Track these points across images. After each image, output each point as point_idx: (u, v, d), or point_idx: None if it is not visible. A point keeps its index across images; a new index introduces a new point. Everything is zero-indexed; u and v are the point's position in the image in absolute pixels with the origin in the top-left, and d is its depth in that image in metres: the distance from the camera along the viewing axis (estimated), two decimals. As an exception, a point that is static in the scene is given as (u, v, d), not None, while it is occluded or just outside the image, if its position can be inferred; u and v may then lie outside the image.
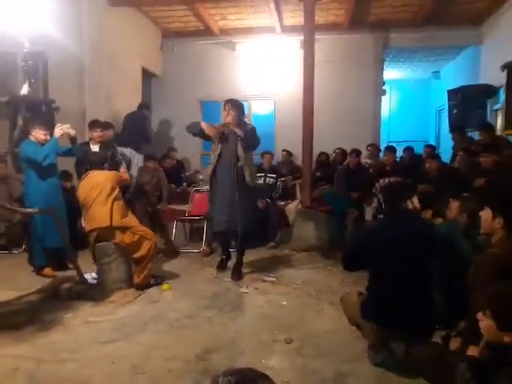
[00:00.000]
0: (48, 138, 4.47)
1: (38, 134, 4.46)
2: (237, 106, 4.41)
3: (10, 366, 2.69)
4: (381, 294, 2.60)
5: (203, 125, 4.45)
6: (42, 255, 4.55)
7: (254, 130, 4.47)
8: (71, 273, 4.34)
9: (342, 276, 4.40)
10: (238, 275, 4.48)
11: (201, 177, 7.22)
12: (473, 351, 2.10)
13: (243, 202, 4.27)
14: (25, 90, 4.23)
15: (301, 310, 3.64)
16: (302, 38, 6.27)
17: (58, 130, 4.40)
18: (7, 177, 5.72)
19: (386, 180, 3.15)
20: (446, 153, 7.20)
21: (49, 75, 6.44)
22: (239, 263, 4.59)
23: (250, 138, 4.37)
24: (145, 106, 7.33)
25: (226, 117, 4.38)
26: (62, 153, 4.62)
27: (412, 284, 2.54)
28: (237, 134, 4.29)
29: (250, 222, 4.41)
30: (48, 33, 5.23)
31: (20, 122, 4.51)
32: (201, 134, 4.50)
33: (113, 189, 4.10)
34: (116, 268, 4.05)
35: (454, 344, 2.47)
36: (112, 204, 4.02)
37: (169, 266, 4.98)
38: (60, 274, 4.50)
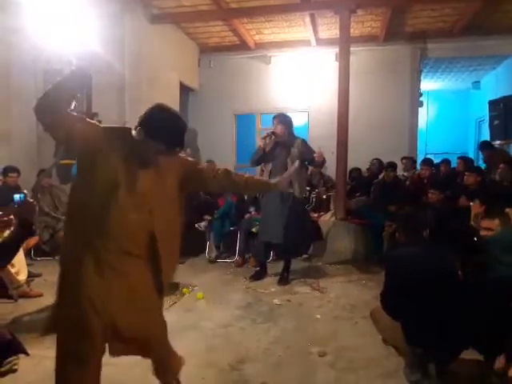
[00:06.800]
0: None
1: None
2: (284, 120, 4.60)
3: (52, 368, 2.79)
4: (408, 317, 2.53)
5: (259, 141, 4.55)
6: None
7: (305, 142, 4.63)
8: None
9: (377, 291, 4.28)
10: (285, 281, 4.66)
11: None
12: (514, 372, 2.02)
13: (292, 216, 4.43)
14: (72, 105, 4.47)
15: (334, 324, 3.60)
16: (337, 50, 6.28)
17: None
18: (52, 187, 6.03)
19: (404, 210, 3.13)
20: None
21: (92, 89, 6.74)
22: (286, 270, 4.75)
23: (309, 154, 4.53)
24: None
25: (275, 130, 4.55)
26: None
27: (438, 307, 2.46)
28: (285, 146, 4.44)
29: (298, 235, 4.54)
30: (92, 49, 5.50)
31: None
32: (262, 156, 4.58)
33: None
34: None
35: (498, 363, 2.38)
36: None
37: (203, 275, 5.05)
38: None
